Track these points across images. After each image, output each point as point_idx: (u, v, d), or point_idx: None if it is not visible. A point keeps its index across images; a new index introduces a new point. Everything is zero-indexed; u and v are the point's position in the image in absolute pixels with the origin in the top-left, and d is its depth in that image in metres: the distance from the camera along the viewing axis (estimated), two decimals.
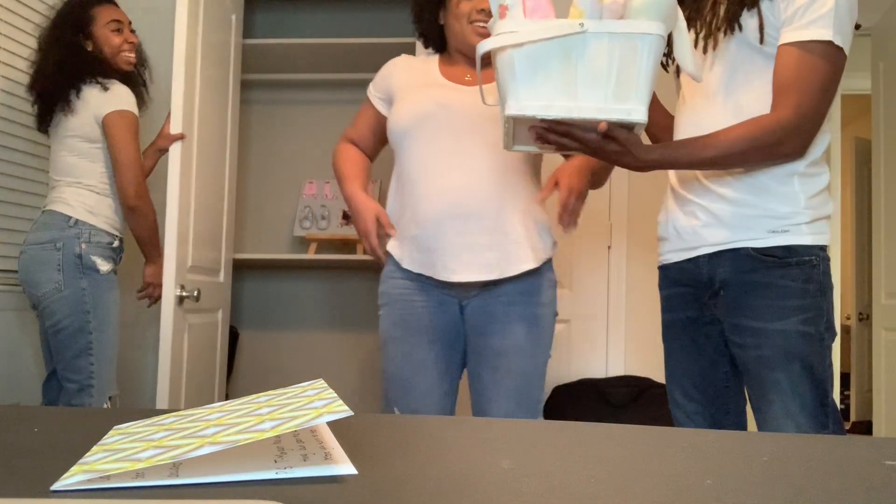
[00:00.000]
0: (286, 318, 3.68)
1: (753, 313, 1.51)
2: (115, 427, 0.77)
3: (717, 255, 1.56)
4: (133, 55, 2.35)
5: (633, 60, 1.38)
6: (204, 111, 2.57)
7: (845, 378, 5.46)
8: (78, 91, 2.23)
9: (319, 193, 3.53)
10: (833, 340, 1.52)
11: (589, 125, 1.43)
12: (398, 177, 1.91)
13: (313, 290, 3.67)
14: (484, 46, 1.45)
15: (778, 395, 1.49)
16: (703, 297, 1.61)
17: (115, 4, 2.39)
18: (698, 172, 1.59)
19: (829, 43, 1.43)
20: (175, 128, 2.33)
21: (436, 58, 1.98)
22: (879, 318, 3.35)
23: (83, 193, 2.24)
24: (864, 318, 5.35)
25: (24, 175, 2.58)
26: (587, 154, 1.51)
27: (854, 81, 3.83)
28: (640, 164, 1.50)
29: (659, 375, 1.79)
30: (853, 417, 5.49)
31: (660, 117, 1.77)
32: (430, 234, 1.80)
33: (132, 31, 2.38)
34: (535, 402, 1.87)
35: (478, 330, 1.86)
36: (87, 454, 0.64)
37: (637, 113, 1.41)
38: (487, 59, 1.87)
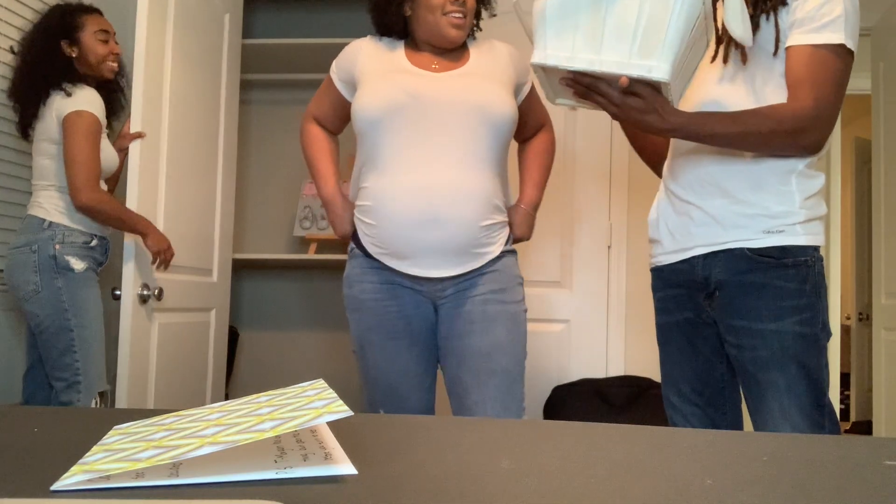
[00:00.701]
0: (286, 318, 3.68)
1: (750, 314, 1.51)
2: (115, 427, 0.77)
3: (711, 256, 1.56)
4: (116, 65, 2.40)
5: (663, 16, 1.34)
6: (180, 111, 2.56)
7: (845, 378, 5.45)
8: (47, 96, 2.29)
9: None
10: (828, 341, 1.53)
11: (613, 79, 1.41)
12: (365, 165, 1.87)
13: (313, 290, 3.68)
14: None
15: (774, 396, 1.49)
16: (699, 298, 1.61)
17: (101, 14, 2.43)
18: (697, 167, 1.58)
19: (842, 45, 1.46)
20: (135, 127, 2.34)
21: (401, 43, 1.93)
22: (879, 318, 3.35)
23: (56, 196, 2.28)
24: (864, 318, 5.35)
25: (17, 174, 2.59)
26: (611, 112, 1.46)
27: (854, 81, 3.80)
28: (665, 126, 1.45)
29: (658, 375, 1.79)
30: (853, 417, 5.48)
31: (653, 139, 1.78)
32: (397, 232, 1.79)
33: (116, 42, 2.43)
34: (520, 401, 1.86)
35: (455, 332, 1.84)
36: (87, 454, 0.64)
37: (659, 70, 1.36)
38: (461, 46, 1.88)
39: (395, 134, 1.80)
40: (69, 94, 2.26)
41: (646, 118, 1.44)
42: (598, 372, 3.05)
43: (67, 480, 0.56)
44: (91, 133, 2.24)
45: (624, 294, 3.05)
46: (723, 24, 1.53)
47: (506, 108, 1.83)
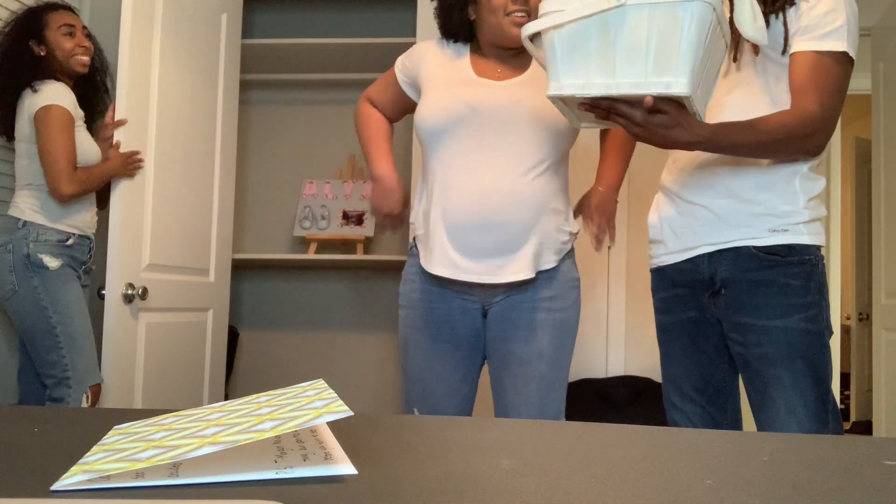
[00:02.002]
0: (286, 318, 3.68)
1: (756, 311, 1.53)
2: (115, 427, 0.77)
3: (717, 254, 1.58)
4: (86, 58, 2.38)
5: (674, 31, 1.32)
6: (169, 111, 2.58)
7: (845, 378, 5.46)
8: (18, 96, 2.30)
9: (319, 193, 3.54)
10: (830, 338, 1.55)
11: (634, 100, 1.39)
12: (426, 176, 1.88)
13: (313, 290, 3.68)
14: (525, 31, 1.46)
15: (780, 393, 1.50)
16: (703, 296, 1.61)
17: (70, 10, 2.43)
18: (702, 169, 1.59)
19: (844, 53, 1.50)
20: (119, 132, 2.36)
21: (466, 49, 1.92)
22: (879, 318, 3.35)
23: (31, 194, 2.29)
24: (864, 318, 5.35)
25: (3, 171, 2.61)
26: (634, 132, 1.45)
27: (854, 81, 3.80)
28: (692, 139, 1.44)
29: (658, 375, 1.79)
30: (853, 417, 5.49)
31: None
32: (455, 239, 1.78)
33: (88, 37, 2.42)
34: (557, 404, 1.85)
35: (500, 335, 1.83)
36: (87, 454, 0.64)
37: (677, 85, 1.34)
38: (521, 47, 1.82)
39: (455, 143, 1.80)
40: (36, 91, 2.26)
41: (671, 133, 1.42)
42: (598, 372, 3.05)
43: (67, 480, 0.56)
44: (61, 125, 2.24)
45: (624, 294, 3.05)
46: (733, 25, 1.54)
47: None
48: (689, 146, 1.47)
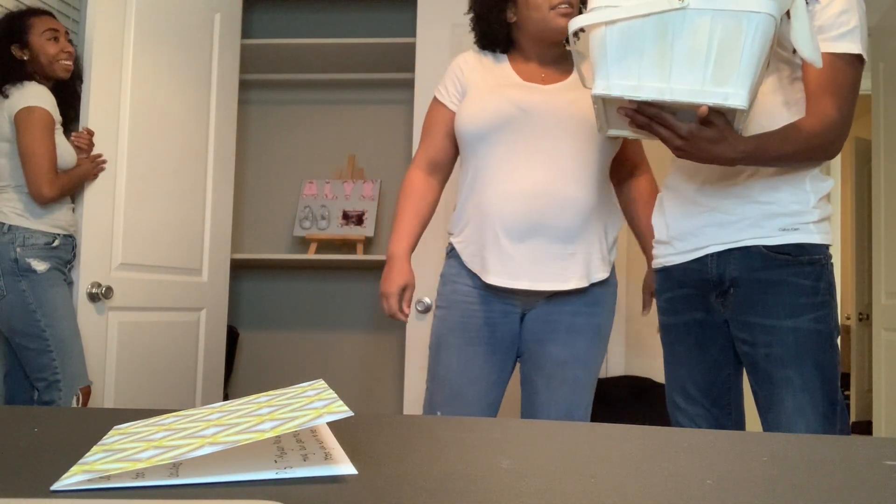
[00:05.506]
0: (286, 318, 3.68)
1: (766, 311, 1.52)
2: (115, 427, 0.77)
3: (725, 254, 1.57)
4: (70, 63, 2.38)
5: (737, 40, 1.27)
6: (149, 111, 2.60)
7: (845, 378, 5.46)
8: None
9: (319, 193, 3.54)
10: (838, 338, 1.55)
11: (680, 109, 1.35)
12: (470, 180, 1.83)
13: (313, 290, 3.68)
14: (575, 23, 1.38)
15: (789, 393, 1.50)
16: (711, 296, 1.61)
17: (52, 15, 2.43)
18: (710, 171, 1.59)
19: (859, 56, 1.49)
20: (86, 121, 2.38)
21: (504, 57, 1.89)
22: (879, 318, 3.35)
23: (13, 197, 2.29)
24: (864, 318, 5.35)
25: None
26: (675, 144, 1.41)
27: None
28: (735, 155, 1.42)
29: (659, 375, 1.79)
30: (853, 417, 5.49)
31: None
32: (503, 242, 1.76)
33: (70, 41, 2.41)
34: (585, 407, 1.85)
35: (537, 337, 1.82)
36: (87, 454, 0.64)
37: (736, 98, 1.29)
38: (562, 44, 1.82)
39: (503, 146, 1.77)
40: (7, 96, 2.26)
41: (715, 149, 1.40)
42: None
43: (67, 480, 0.56)
44: (44, 127, 2.25)
45: (624, 294, 3.05)
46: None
47: None
48: (730, 162, 1.44)
